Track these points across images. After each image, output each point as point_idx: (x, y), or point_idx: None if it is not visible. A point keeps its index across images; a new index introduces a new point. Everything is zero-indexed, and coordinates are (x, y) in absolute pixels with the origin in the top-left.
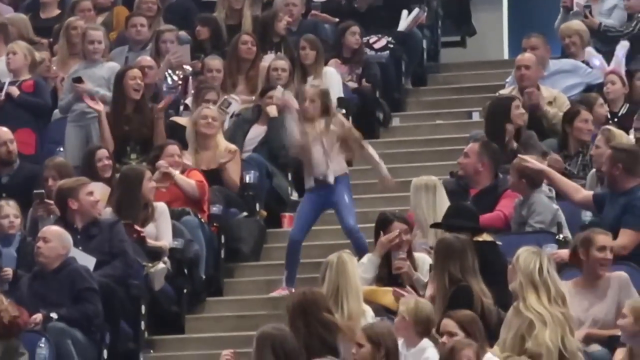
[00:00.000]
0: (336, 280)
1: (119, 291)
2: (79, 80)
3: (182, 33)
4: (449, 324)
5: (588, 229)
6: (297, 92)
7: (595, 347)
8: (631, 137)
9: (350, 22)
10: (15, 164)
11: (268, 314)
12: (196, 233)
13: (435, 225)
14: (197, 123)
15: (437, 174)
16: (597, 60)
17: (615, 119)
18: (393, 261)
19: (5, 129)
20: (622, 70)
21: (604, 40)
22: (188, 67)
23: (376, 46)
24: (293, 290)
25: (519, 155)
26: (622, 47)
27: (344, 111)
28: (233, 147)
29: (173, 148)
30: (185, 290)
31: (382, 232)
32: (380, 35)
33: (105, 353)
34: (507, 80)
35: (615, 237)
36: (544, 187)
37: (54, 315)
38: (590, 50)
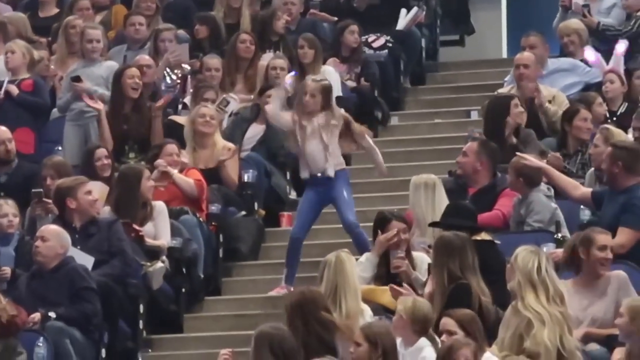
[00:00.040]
0: (334, 280)
1: (118, 290)
2: (77, 79)
3: (181, 32)
4: (448, 322)
5: (586, 228)
6: (296, 90)
7: (594, 347)
8: (630, 136)
9: (349, 21)
10: (13, 163)
11: (266, 313)
12: (194, 232)
13: (433, 224)
14: (195, 122)
15: (435, 173)
16: (593, 55)
17: (614, 118)
18: (391, 260)
19: (3, 128)
20: (621, 69)
21: (603, 40)
22: (186, 66)
23: (375, 45)
24: (292, 289)
25: (518, 153)
26: (621, 46)
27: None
28: (231, 145)
29: (172, 147)
30: (183, 290)
31: (380, 231)
32: (378, 34)
33: (103, 352)
34: (506, 79)
35: (612, 235)
36: (543, 186)
37: (52, 314)
38: (589, 49)
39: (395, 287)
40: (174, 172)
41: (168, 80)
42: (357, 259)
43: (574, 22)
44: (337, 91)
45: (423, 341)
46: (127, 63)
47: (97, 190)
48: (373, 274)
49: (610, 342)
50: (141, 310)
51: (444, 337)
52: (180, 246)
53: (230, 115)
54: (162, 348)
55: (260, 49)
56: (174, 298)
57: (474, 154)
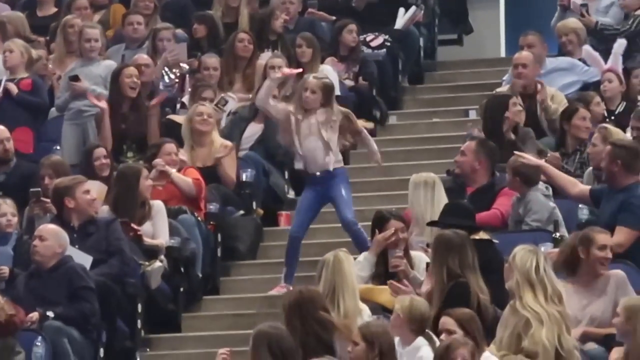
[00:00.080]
0: (332, 279)
1: (116, 290)
2: (75, 78)
3: (179, 31)
4: (447, 322)
5: (585, 227)
6: (293, 90)
7: (592, 346)
8: (628, 135)
9: (347, 20)
10: (12, 162)
11: (265, 313)
12: (193, 231)
13: (431, 224)
14: (193, 120)
15: (433, 172)
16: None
17: (612, 117)
18: (390, 259)
19: (1, 127)
20: (619, 68)
21: (601, 39)
22: (185, 65)
23: (373, 44)
24: (291, 288)
25: (516, 152)
26: (620, 45)
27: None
28: (228, 143)
29: (170, 146)
30: (181, 289)
31: (378, 230)
32: (377, 34)
33: (101, 351)
34: (504, 78)
35: (610, 233)
36: (541, 185)
37: (50, 313)
38: (587, 48)
39: (395, 283)
40: (172, 171)
41: (166, 79)
42: (355, 258)
43: (572, 22)
44: (335, 90)
45: (420, 340)
46: (125, 62)
47: (95, 189)
48: (371, 273)
49: (608, 342)
50: (139, 310)
51: (443, 336)
52: (178, 245)
53: (228, 115)
54: (160, 347)
55: (259, 48)
56: (172, 297)
57: (472, 153)
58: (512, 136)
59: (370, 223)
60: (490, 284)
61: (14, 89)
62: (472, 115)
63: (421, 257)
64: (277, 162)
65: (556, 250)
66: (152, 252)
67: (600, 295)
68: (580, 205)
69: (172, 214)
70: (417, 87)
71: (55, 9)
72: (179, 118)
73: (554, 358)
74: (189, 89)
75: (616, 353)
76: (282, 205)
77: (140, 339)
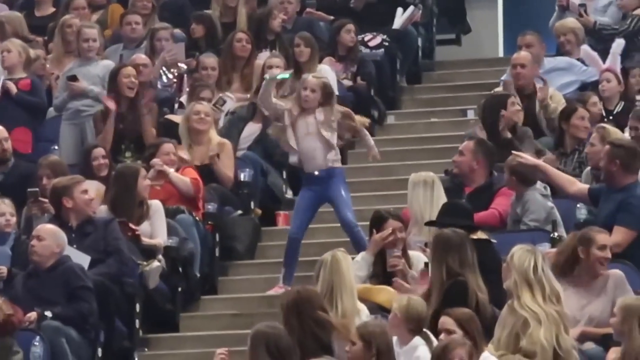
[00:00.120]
0: (330, 279)
1: (114, 289)
2: (73, 78)
3: (177, 31)
4: (447, 321)
5: (583, 227)
6: (292, 89)
7: (590, 345)
8: (626, 135)
9: (345, 20)
10: (10, 162)
11: (263, 312)
12: (191, 231)
13: (429, 223)
14: (190, 119)
15: (432, 172)
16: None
17: (611, 117)
18: (388, 259)
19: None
20: (618, 68)
21: (599, 39)
22: (183, 65)
23: (371, 44)
24: (290, 289)
25: (513, 152)
26: (618, 45)
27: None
28: (226, 141)
29: (168, 146)
30: (179, 289)
31: (375, 230)
32: (375, 33)
33: (99, 351)
34: (502, 78)
35: (609, 233)
36: (539, 184)
37: (48, 313)
38: (585, 48)
39: (400, 281)
40: (170, 171)
41: (164, 79)
42: (353, 258)
43: (571, 21)
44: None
45: (417, 340)
46: (123, 62)
47: (93, 189)
48: (368, 273)
49: (606, 341)
50: (137, 310)
51: (442, 336)
52: (176, 245)
53: (226, 115)
54: (158, 347)
55: (257, 48)
56: (170, 297)
57: (470, 152)
58: (509, 135)
59: (368, 223)
60: (488, 284)
61: (13, 88)
62: (470, 115)
63: (419, 257)
64: (275, 161)
65: (554, 250)
66: (150, 252)
67: (598, 295)
68: (578, 205)
69: (170, 214)
70: (415, 87)
71: (53, 9)
72: (176, 118)
73: (552, 358)
74: (187, 89)
75: (613, 353)
76: (280, 205)
77: (139, 338)
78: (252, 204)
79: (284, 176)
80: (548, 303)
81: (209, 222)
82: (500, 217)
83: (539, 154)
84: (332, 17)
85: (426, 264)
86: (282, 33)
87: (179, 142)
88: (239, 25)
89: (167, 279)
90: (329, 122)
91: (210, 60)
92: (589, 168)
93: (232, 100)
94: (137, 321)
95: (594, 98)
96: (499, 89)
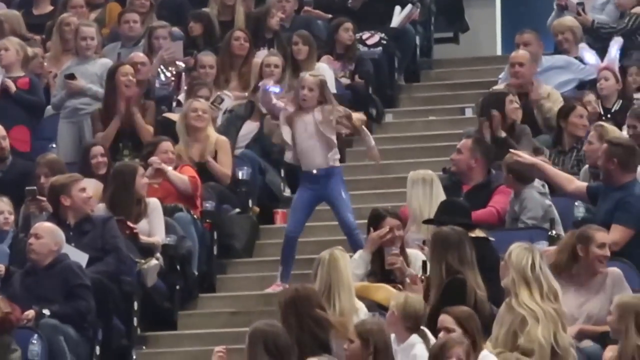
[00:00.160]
0: (328, 277)
1: (112, 287)
2: (71, 76)
3: (175, 29)
4: (446, 319)
5: (581, 225)
6: (290, 88)
7: (588, 343)
8: (624, 133)
9: (343, 18)
10: (7, 160)
11: (261, 310)
12: (189, 229)
13: (427, 222)
14: (187, 116)
15: (430, 170)
16: (589, 53)
17: (609, 115)
18: (386, 257)
19: None
20: (616, 67)
21: (597, 37)
22: (181, 64)
23: (369, 42)
24: (287, 286)
25: (511, 150)
26: (616, 43)
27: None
28: (224, 138)
29: (166, 144)
30: (177, 287)
31: (373, 228)
32: (373, 32)
33: (97, 349)
34: (500, 76)
35: (607, 231)
36: (537, 182)
37: (46, 311)
38: (583, 46)
39: (414, 275)
40: (168, 169)
41: (162, 77)
42: (351, 257)
43: (568, 20)
44: (331, 88)
45: (414, 338)
46: (121, 60)
47: (91, 187)
48: (366, 271)
49: (604, 339)
50: (135, 308)
51: (441, 334)
52: (174, 243)
53: (224, 113)
54: (156, 345)
55: (255, 46)
56: (168, 295)
57: (468, 151)
58: (503, 134)
59: (366, 221)
60: (486, 282)
61: (12, 87)
62: (468, 113)
63: (417, 255)
64: (273, 160)
65: (552, 248)
66: (148, 250)
67: (597, 292)
68: (576, 203)
69: (168, 212)
70: (413, 85)
71: (51, 7)
72: (175, 116)
73: (550, 355)
74: (185, 87)
75: (610, 351)
76: (278, 203)
77: (137, 336)
78: (250, 202)
79: (282, 174)
80: (546, 301)
81: (207, 220)
82: (498, 215)
83: (536, 152)
84: (330, 16)
85: (424, 262)
86: (280, 31)
87: (177, 140)
88: (236, 23)
89: (165, 277)
90: (328, 121)
91: (208, 58)
92: (587, 166)
93: (230, 98)
94: (135, 319)
95: (589, 97)
96: (498, 87)
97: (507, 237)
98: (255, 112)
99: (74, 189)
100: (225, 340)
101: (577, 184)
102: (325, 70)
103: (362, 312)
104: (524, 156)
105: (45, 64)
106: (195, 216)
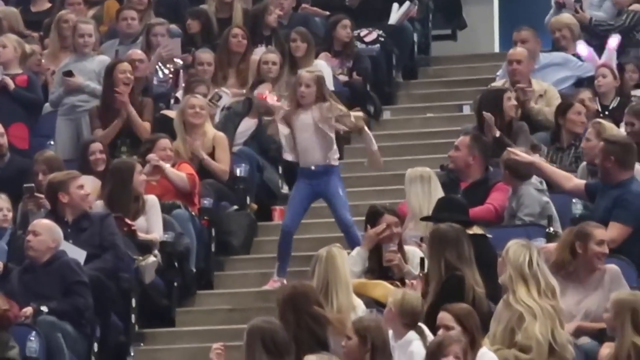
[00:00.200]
0: (325, 275)
1: (110, 284)
2: (69, 73)
3: (173, 26)
4: (445, 317)
5: (579, 222)
6: (287, 84)
7: (585, 340)
8: (622, 131)
9: (341, 15)
10: (5, 157)
11: (259, 307)
12: (187, 226)
13: (425, 219)
14: (185, 112)
15: (427, 167)
16: (585, 50)
17: (606, 112)
18: (384, 253)
19: None
20: (614, 64)
21: (595, 35)
22: (179, 61)
23: (367, 39)
24: (285, 282)
25: (508, 148)
26: (614, 41)
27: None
28: (221, 134)
29: (165, 142)
30: (175, 284)
31: (370, 225)
32: (371, 29)
33: (95, 346)
34: (498, 73)
35: (605, 229)
36: (534, 179)
37: (44, 308)
38: (581, 43)
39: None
40: (166, 166)
41: (160, 74)
42: (348, 254)
43: (566, 17)
44: (329, 85)
45: (411, 335)
46: (119, 58)
47: (89, 184)
48: (363, 268)
49: (602, 336)
50: (133, 305)
51: (440, 331)
52: (172, 240)
53: (222, 110)
54: (154, 342)
55: (252, 44)
56: (166, 292)
57: (466, 148)
58: (497, 133)
59: (363, 218)
60: (484, 279)
61: (11, 84)
62: (466, 110)
63: (415, 252)
64: (271, 157)
65: (550, 245)
66: (146, 247)
67: (595, 289)
68: (574, 200)
69: (166, 209)
70: (411, 82)
71: (49, 5)
72: (173, 113)
73: (548, 352)
74: (183, 85)
75: (607, 348)
76: (276, 200)
77: (134, 333)
78: (248, 199)
79: (280, 171)
80: (543, 297)
81: (205, 217)
82: (495, 212)
83: (534, 149)
84: (327, 13)
85: (422, 259)
86: (278, 28)
87: (175, 137)
88: (234, 20)
89: (163, 274)
90: (326, 119)
91: (206, 55)
92: (584, 163)
93: (228, 95)
94: (133, 316)
95: (584, 94)
96: (495, 84)
97: (504, 234)
98: (253, 109)
99: (72, 186)
100: (223, 337)
101: (575, 181)
102: (323, 67)
103: (360, 309)
104: (522, 155)
105: (43, 61)
106: (193, 213)
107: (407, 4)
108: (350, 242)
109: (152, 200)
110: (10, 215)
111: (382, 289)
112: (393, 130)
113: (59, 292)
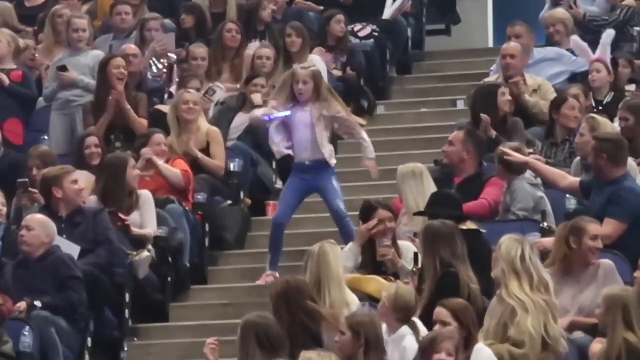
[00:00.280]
0: (318, 271)
1: (104, 279)
2: (63, 68)
3: (167, 21)
4: (442, 312)
5: (573, 217)
6: (284, 81)
7: (579, 335)
8: (616, 126)
9: (335, 10)
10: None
11: (252, 302)
12: (180, 221)
13: (419, 214)
14: (178, 108)
15: (421, 162)
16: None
17: (601, 107)
18: (378, 248)
19: None
20: (608, 59)
21: (589, 30)
22: (173, 56)
23: (361, 34)
24: (277, 275)
25: (501, 147)
26: (608, 36)
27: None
28: (215, 129)
29: (159, 137)
30: (169, 279)
31: (364, 220)
32: (365, 24)
33: (89, 341)
34: (492, 68)
35: (600, 224)
36: (528, 174)
37: (38, 303)
38: (575, 38)
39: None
40: (160, 162)
41: (154, 69)
42: (342, 248)
43: (560, 12)
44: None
45: (404, 330)
46: (113, 53)
47: (83, 179)
48: (356, 264)
49: (595, 331)
50: (127, 300)
51: (437, 327)
52: (166, 235)
53: (216, 105)
54: (148, 337)
55: (247, 39)
56: (160, 287)
57: (460, 143)
58: (494, 134)
59: (358, 213)
60: (478, 274)
61: (5, 80)
62: (460, 105)
63: (409, 247)
64: (265, 152)
65: (544, 240)
66: (140, 242)
67: (589, 284)
68: (568, 195)
69: (160, 204)
70: (405, 78)
71: (43, 0)
72: (167, 108)
73: (541, 346)
74: (177, 80)
75: (598, 344)
76: (270, 195)
77: (128, 328)
78: (242, 194)
79: (274, 166)
80: (536, 292)
81: (199, 212)
82: (489, 207)
83: (529, 144)
84: (321, 8)
85: (416, 254)
86: (272, 23)
87: (169, 132)
88: (229, 15)
89: (156, 269)
90: (321, 117)
91: (200, 50)
92: (578, 158)
93: (222, 90)
94: (126, 311)
95: (574, 90)
96: (489, 79)
97: (498, 229)
98: (247, 104)
99: (66, 181)
100: (217, 332)
101: (570, 180)
102: (318, 62)
103: (354, 304)
104: (515, 155)
105: (37, 56)
106: (187, 208)
107: None
108: (344, 233)
109: (146, 195)
110: (4, 210)
111: (376, 284)
112: (387, 125)
113: (53, 287)
